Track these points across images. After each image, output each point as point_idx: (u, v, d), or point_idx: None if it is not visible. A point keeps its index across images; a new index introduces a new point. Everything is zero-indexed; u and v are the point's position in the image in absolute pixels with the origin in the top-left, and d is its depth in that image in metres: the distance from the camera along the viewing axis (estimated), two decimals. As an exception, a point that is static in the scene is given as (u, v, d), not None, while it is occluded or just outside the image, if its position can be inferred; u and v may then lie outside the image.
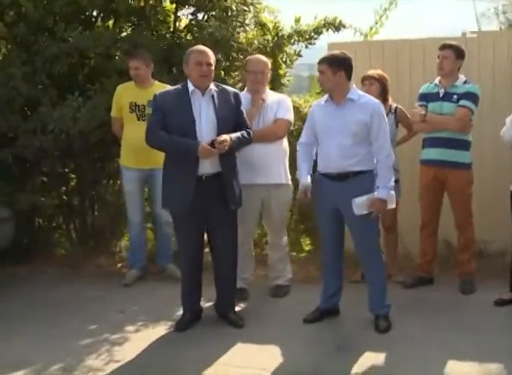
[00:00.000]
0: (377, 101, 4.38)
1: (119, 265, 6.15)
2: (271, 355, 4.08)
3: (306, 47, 6.53)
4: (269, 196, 4.98)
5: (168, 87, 4.96)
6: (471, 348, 4.03)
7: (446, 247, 5.63)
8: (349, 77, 4.33)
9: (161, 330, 4.58)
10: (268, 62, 5.08)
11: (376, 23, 8.00)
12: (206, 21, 6.32)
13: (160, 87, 5.47)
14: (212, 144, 4.26)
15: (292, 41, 6.48)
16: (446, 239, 5.52)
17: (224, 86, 4.55)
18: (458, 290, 5.09)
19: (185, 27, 6.55)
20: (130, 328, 4.63)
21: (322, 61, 4.35)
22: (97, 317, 4.85)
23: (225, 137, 4.29)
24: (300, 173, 4.56)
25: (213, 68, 4.44)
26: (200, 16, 6.55)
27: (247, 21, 6.16)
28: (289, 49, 6.55)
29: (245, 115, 4.58)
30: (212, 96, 4.39)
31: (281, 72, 6.48)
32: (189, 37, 6.47)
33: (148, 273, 5.79)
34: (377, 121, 4.28)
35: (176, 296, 4.97)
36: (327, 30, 6.42)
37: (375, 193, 4.28)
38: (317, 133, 4.45)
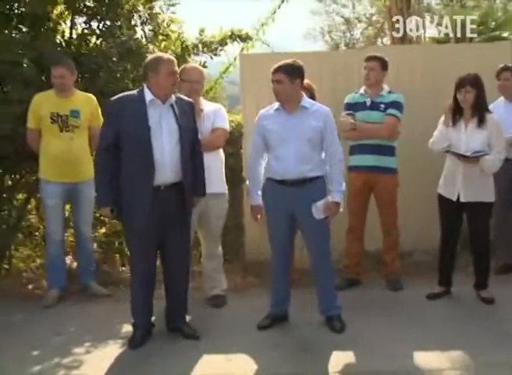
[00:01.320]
0: (327, 108, 4.51)
1: (30, 286, 5.72)
2: (244, 362, 4.05)
3: (211, 58, 6.56)
4: (208, 205, 4.93)
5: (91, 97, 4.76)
6: (430, 341, 4.27)
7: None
8: (302, 86, 4.44)
9: (113, 349, 4.34)
10: (204, 70, 5.06)
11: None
12: (107, 29, 6.13)
13: (83, 97, 5.26)
14: None
15: (196, 51, 6.48)
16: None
17: (178, 95, 4.44)
18: (387, 288, 5.38)
19: (80, 36, 6.29)
20: (78, 350, 4.35)
21: (279, 70, 4.34)
22: (36, 342, 4.48)
23: None
24: (251, 193, 4.60)
25: None
26: (94, 24, 6.35)
27: (160, 31, 6.07)
28: (193, 61, 6.53)
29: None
30: (172, 105, 4.26)
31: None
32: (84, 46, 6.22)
33: (68, 293, 5.45)
34: (330, 127, 4.42)
35: (110, 313, 4.91)
36: (232, 41, 6.50)
37: (329, 197, 4.42)
38: (270, 142, 4.45)
